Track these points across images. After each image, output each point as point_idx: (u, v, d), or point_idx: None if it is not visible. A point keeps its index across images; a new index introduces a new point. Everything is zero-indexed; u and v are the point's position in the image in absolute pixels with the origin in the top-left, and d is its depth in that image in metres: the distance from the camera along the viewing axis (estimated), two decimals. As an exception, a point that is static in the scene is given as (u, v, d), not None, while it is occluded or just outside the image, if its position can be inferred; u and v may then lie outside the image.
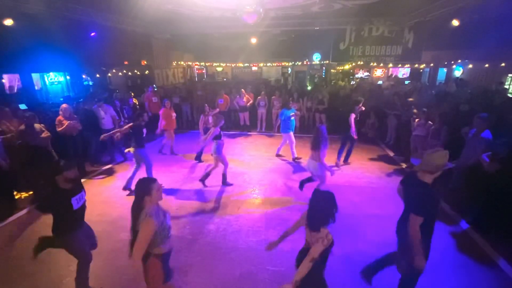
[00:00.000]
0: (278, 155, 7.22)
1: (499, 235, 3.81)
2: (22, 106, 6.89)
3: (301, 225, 2.39)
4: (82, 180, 5.75)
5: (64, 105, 5.88)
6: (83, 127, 6.07)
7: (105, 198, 5.16)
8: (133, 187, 5.25)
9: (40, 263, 3.50)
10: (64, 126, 5.72)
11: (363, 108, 6.65)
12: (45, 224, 4.32)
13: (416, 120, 6.24)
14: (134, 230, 2.22)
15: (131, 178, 5.23)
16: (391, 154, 7.47)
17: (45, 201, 2.75)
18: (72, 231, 2.80)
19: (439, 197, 2.52)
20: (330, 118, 9.18)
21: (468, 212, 4.37)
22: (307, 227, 2.24)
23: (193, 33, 12.88)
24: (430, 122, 5.87)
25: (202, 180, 5.55)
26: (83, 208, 2.89)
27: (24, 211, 4.72)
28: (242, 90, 9.58)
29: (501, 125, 4.76)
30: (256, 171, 6.28)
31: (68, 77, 12.02)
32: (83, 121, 6.13)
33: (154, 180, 2.32)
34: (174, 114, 7.35)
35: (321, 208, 2.15)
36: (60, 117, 5.79)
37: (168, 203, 4.85)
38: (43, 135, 5.20)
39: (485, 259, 3.53)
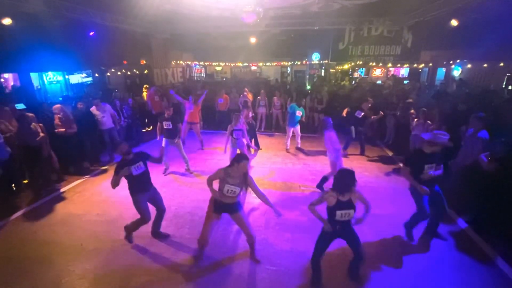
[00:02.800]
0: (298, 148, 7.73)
1: (497, 234, 3.82)
2: (21, 106, 6.87)
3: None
4: (81, 180, 5.84)
5: (56, 106, 5.93)
6: (78, 128, 6.07)
7: (105, 197, 5.15)
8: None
9: (40, 263, 3.51)
10: (60, 131, 5.80)
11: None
12: (44, 224, 4.36)
13: (415, 119, 6.25)
14: None
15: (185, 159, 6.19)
16: (390, 153, 7.49)
17: (116, 168, 3.54)
18: (136, 193, 3.58)
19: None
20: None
21: (466, 211, 4.40)
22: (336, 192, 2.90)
23: (192, 32, 12.87)
24: (429, 121, 5.88)
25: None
26: (144, 175, 3.61)
27: (23, 211, 4.71)
28: (246, 89, 9.57)
29: (499, 125, 4.76)
30: (255, 171, 6.28)
31: (67, 77, 11.99)
32: (79, 122, 6.14)
33: (247, 158, 3.23)
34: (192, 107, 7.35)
35: (343, 179, 2.89)
36: (58, 116, 5.82)
37: (167, 203, 4.83)
38: (38, 138, 5.17)
39: (483, 258, 3.55)
